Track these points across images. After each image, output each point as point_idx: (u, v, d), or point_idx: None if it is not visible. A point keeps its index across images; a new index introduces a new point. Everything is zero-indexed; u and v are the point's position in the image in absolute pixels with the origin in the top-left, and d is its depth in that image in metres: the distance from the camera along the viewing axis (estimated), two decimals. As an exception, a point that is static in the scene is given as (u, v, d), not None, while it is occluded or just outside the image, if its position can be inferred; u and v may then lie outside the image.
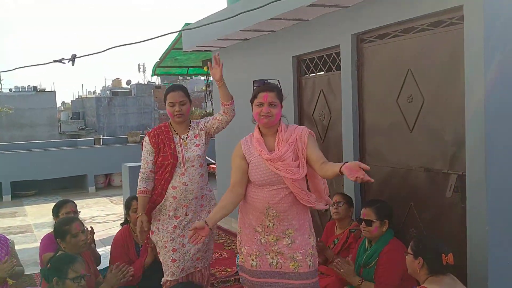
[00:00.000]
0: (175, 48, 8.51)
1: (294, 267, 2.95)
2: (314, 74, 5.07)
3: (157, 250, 3.66)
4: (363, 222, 3.38)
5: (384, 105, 4.08)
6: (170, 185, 3.53)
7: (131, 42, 3.52)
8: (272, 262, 2.99)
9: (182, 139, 3.60)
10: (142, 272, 4.01)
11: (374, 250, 3.33)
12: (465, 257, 3.29)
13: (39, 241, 4.15)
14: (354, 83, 4.34)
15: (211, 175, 8.33)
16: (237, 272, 4.70)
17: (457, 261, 2.91)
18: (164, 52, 8.98)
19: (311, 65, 5.11)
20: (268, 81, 3.13)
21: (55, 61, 3.00)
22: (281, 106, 3.06)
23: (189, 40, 6.98)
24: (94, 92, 39.47)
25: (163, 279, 3.62)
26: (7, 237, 3.84)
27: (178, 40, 8.03)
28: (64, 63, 2.97)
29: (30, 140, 14.22)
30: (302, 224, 3.01)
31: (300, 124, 5.28)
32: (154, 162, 3.57)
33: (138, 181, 3.61)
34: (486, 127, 3.12)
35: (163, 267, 3.62)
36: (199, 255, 3.62)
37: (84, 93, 39.01)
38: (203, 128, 3.66)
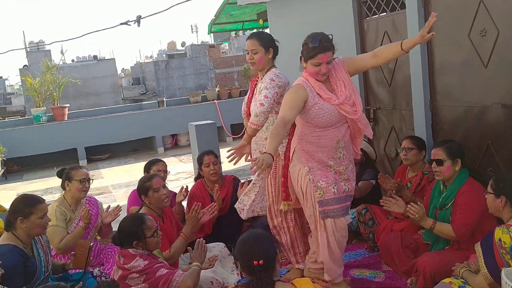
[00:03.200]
0: (229, 3, 8.43)
1: (351, 190, 3.33)
2: (377, 16, 4.88)
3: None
4: (434, 162, 3.30)
5: (455, 42, 3.88)
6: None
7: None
8: (345, 188, 3.28)
9: (259, 90, 3.59)
10: (213, 221, 4.18)
11: (450, 191, 3.25)
12: (550, 194, 3.16)
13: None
14: (421, 21, 4.14)
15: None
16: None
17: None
18: (218, 9, 8.93)
19: (373, 6, 4.91)
20: (322, 38, 3.09)
21: (121, 23, 3.08)
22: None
23: (244, -7, 6.88)
24: (151, 57, 40.19)
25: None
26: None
27: (232, -5, 7.95)
28: (130, 25, 3.04)
29: (96, 107, 14.80)
30: (348, 153, 3.35)
31: (365, 71, 5.15)
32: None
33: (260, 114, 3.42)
34: None
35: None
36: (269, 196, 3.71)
37: (142, 59, 39.82)
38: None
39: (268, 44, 3.55)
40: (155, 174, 3.98)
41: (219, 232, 4.33)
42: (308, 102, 3.12)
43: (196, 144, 6.70)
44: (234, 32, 20.40)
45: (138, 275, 2.74)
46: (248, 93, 3.82)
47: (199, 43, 29.79)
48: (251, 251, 2.21)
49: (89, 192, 4.05)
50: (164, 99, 12.75)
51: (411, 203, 3.32)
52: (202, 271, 3.05)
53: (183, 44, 32.14)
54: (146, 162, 4.63)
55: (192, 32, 39.00)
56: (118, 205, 3.83)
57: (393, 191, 3.76)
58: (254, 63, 3.56)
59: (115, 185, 8.52)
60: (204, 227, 4.22)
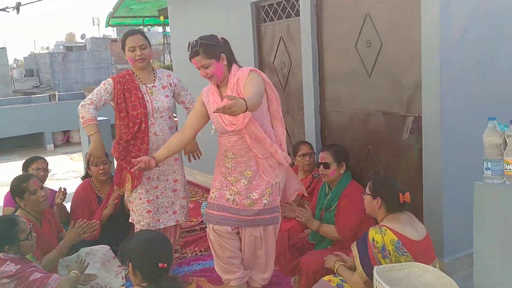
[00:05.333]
0: (129, -3, 8.17)
1: (249, 204, 3.08)
2: (274, 21, 4.99)
3: (131, 201, 3.61)
4: (322, 165, 3.45)
5: (343, 51, 4.07)
6: (150, 133, 3.48)
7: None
8: (230, 198, 3.11)
9: (148, 88, 3.51)
10: (100, 225, 3.99)
11: (334, 193, 3.41)
12: (421, 196, 3.43)
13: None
14: (313, 29, 4.30)
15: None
16: (202, 221, 4.76)
17: (414, 200, 3.03)
18: (117, 2, 8.61)
19: (270, 12, 5.01)
20: (195, 41, 2.95)
21: (-1, 8, 2.82)
22: (220, 58, 2.94)
23: (143, -12, 6.70)
24: (48, 48, 37.88)
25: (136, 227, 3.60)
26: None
27: (132, -12, 7.70)
28: (9, 11, 2.80)
29: (-19, 99, 13.58)
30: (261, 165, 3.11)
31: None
32: (105, 100, 3.47)
33: (81, 110, 3.36)
34: (441, 69, 3.18)
35: (136, 218, 3.58)
36: (175, 209, 3.62)
37: (37, 50, 37.32)
38: (173, 85, 3.63)
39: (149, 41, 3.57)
40: (31, 174, 3.69)
41: (106, 235, 4.13)
42: (206, 106, 3.11)
43: (87, 141, 6.36)
44: (140, 27, 19.83)
45: (8, 280, 2.53)
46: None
47: (101, 36, 28.60)
48: (156, 254, 2.12)
49: None
50: (56, 93, 12.07)
51: (299, 208, 3.46)
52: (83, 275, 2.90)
53: (82, 36, 30.68)
54: (25, 160, 4.29)
55: (93, 25, 37.36)
56: None
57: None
58: (144, 59, 3.48)
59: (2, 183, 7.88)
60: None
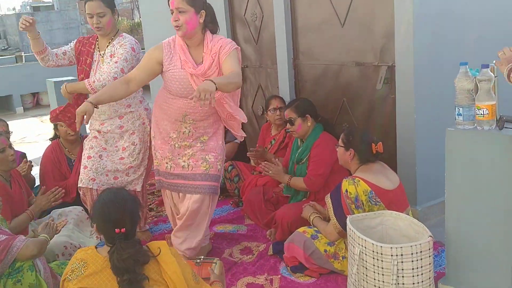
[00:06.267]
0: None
1: (205, 168, 2.99)
2: (244, -29, 4.80)
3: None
4: (287, 123, 3.41)
5: (316, 1, 3.96)
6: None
7: None
8: (184, 165, 3.02)
9: (101, 56, 3.36)
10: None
11: (305, 146, 3.38)
12: (395, 145, 3.43)
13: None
14: (284, -20, 4.15)
15: (146, 88, 8.06)
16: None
17: (387, 150, 3.03)
18: (81, -45, 8.22)
19: (239, -38, 4.82)
20: None
21: None
22: (199, 12, 2.78)
23: None
24: (14, 9, 36.46)
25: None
26: None
27: None
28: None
29: None
30: (216, 130, 3.07)
31: (232, 26, 5.09)
32: (64, 53, 3.45)
33: None
34: (414, 17, 3.11)
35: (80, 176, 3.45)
36: (117, 175, 3.43)
37: (3, 11, 35.89)
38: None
39: (113, 4, 3.33)
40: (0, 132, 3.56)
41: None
42: (164, 63, 2.89)
43: (56, 102, 6.17)
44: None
45: (-29, 243, 2.45)
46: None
47: (69, -5, 27.55)
48: (113, 216, 1.95)
49: None
50: (23, 54, 11.63)
51: (265, 162, 3.44)
52: (55, 236, 2.83)
53: (49, -5, 29.48)
54: None
55: (59, -17, 36.00)
56: None
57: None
58: (102, 28, 3.26)
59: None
60: (68, 193, 3.91)
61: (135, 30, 10.76)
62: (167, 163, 3.08)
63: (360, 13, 3.58)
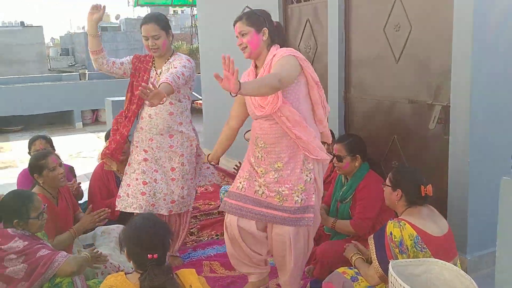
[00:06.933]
0: (158, -24, 8.11)
1: (278, 200, 2.80)
2: (301, 3, 4.83)
3: (128, 182, 3.53)
4: (335, 158, 3.32)
5: (371, 35, 3.91)
6: (139, 115, 3.48)
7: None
8: (258, 190, 2.85)
9: (157, 74, 3.44)
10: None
11: (349, 185, 3.28)
12: (446, 189, 3.28)
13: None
14: (341, 12, 4.14)
15: (199, 111, 8.19)
16: (220, 205, 4.72)
17: (437, 193, 2.89)
18: (147, -19, 8.58)
19: (297, -7, 4.86)
20: (244, 9, 2.83)
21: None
22: (261, 31, 2.72)
23: (171, -33, 6.62)
24: (83, 28, 38.54)
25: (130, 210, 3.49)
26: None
27: (161, -33, 7.62)
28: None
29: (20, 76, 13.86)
30: (293, 157, 2.77)
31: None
32: (122, 64, 3.50)
33: None
34: (473, 57, 3.00)
35: (130, 201, 3.46)
36: (174, 198, 3.46)
37: (73, 29, 37.94)
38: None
39: (168, 26, 3.41)
40: (50, 151, 3.69)
41: (125, 215, 4.10)
42: None
43: (112, 120, 6.39)
44: (173, 8, 19.86)
45: (16, 256, 2.52)
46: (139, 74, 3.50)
47: (136, 17, 28.81)
48: (145, 241, 1.96)
49: None
50: (87, 72, 12.18)
51: None
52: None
53: (117, 17, 31.00)
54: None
55: (128, 6, 37.69)
56: None
57: None
58: (158, 49, 3.35)
59: (23, 159, 8.00)
60: (113, 210, 3.99)
61: (193, 54, 11.04)
62: (240, 182, 2.93)
63: (416, 50, 3.50)
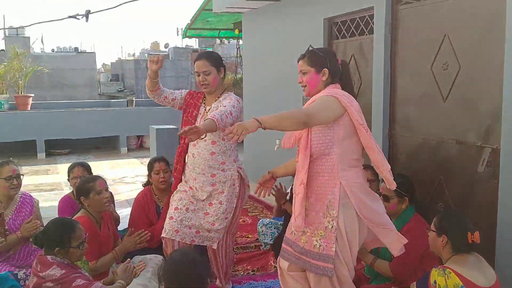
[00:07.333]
0: (206, 9, 8.31)
1: (303, 241, 2.74)
2: (346, 38, 4.83)
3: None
4: (381, 197, 3.21)
5: (418, 73, 3.84)
6: (188, 152, 3.50)
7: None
8: (293, 231, 2.79)
9: (206, 111, 3.46)
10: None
11: (393, 227, 3.17)
12: (494, 236, 3.12)
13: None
14: (387, 48, 4.10)
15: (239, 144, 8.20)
16: (257, 238, 4.66)
17: (485, 240, 2.75)
18: (195, 13, 8.81)
19: (343, 28, 4.86)
20: (308, 47, 2.82)
21: (70, 16, 2.91)
22: (321, 71, 2.68)
23: (219, 1, 6.79)
24: (133, 55, 39.83)
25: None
26: (36, 194, 3.90)
27: (209, 0, 7.83)
28: (79, 19, 2.88)
29: (70, 100, 14.43)
30: (319, 200, 2.67)
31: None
32: (173, 99, 3.56)
33: None
34: (526, 98, 2.88)
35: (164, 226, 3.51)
36: (200, 230, 3.44)
37: (124, 56, 39.40)
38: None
39: (220, 63, 3.43)
40: (98, 175, 3.78)
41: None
42: None
43: (155, 148, 6.52)
44: (219, 39, 20.29)
45: (52, 285, 2.56)
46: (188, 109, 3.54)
47: (184, 46, 29.59)
48: (184, 280, 1.96)
49: (40, 187, 3.83)
50: (134, 99, 12.53)
51: None
52: (132, 282, 2.88)
53: (166, 45, 31.88)
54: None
55: (177, 35, 38.78)
56: (37, 221, 3.59)
57: None
58: (208, 85, 3.38)
59: (68, 182, 8.24)
60: (153, 238, 4.02)
61: (237, 84, 11.20)
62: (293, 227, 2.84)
63: (465, 89, 3.40)
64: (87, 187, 3.39)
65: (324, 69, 2.70)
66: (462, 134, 3.43)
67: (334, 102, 2.58)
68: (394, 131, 4.14)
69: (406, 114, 4.02)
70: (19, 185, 3.63)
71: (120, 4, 2.81)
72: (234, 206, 3.46)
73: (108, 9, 2.80)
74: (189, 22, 9.30)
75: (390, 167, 2.66)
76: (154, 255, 3.78)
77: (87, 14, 2.83)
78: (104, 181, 3.51)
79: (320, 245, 2.64)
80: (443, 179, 3.63)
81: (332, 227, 2.61)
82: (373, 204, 2.69)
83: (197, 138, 2.77)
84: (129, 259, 3.60)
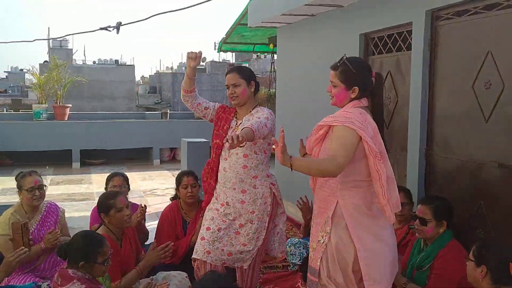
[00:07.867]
0: (241, 23, 8.32)
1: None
2: (383, 54, 4.68)
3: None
4: (418, 220, 3.04)
5: (458, 91, 3.66)
6: (220, 167, 3.40)
7: (178, 9, 3.37)
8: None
9: (237, 125, 3.39)
10: (187, 251, 3.91)
11: (429, 252, 2.99)
12: (540, 269, 2.88)
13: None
14: (425, 65, 3.93)
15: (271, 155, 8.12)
16: (285, 259, 4.53)
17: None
18: (230, 28, 8.83)
19: (379, 44, 4.72)
20: (342, 57, 2.70)
21: (101, 28, 2.91)
22: (351, 88, 2.62)
23: (254, 15, 6.77)
24: (171, 68, 40.54)
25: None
26: (67, 204, 3.90)
27: (244, 15, 7.84)
28: (110, 30, 2.88)
29: (109, 111, 14.76)
30: (321, 213, 2.67)
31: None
32: (206, 108, 3.54)
33: None
34: None
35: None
36: (232, 251, 3.35)
37: (162, 69, 40.14)
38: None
39: (250, 77, 3.38)
40: (119, 191, 3.75)
41: (189, 261, 4.03)
42: None
43: (186, 161, 6.49)
44: (255, 54, 20.38)
45: (72, 299, 2.50)
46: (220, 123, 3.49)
47: (220, 60, 29.90)
48: None
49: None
50: (168, 111, 12.67)
51: None
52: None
53: (203, 59, 32.25)
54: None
55: (214, 49, 39.33)
56: (57, 231, 3.57)
57: None
58: (237, 97, 3.34)
59: (100, 192, 8.31)
60: (175, 253, 3.95)
61: (271, 99, 11.17)
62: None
63: (509, 109, 3.20)
64: (108, 204, 3.33)
65: (355, 87, 2.62)
66: (505, 157, 3.23)
67: (353, 135, 2.50)
68: (431, 151, 3.95)
69: (445, 134, 3.83)
70: (42, 195, 3.63)
71: (151, 16, 2.79)
72: (266, 225, 3.35)
73: (139, 21, 2.79)
74: (224, 36, 9.34)
75: (386, 203, 2.53)
76: (178, 272, 3.70)
77: (118, 26, 2.83)
78: (125, 198, 3.46)
79: (311, 258, 2.69)
80: (483, 204, 3.41)
81: (323, 242, 2.61)
82: (375, 228, 2.58)
83: (237, 146, 2.68)
84: (152, 276, 3.54)
